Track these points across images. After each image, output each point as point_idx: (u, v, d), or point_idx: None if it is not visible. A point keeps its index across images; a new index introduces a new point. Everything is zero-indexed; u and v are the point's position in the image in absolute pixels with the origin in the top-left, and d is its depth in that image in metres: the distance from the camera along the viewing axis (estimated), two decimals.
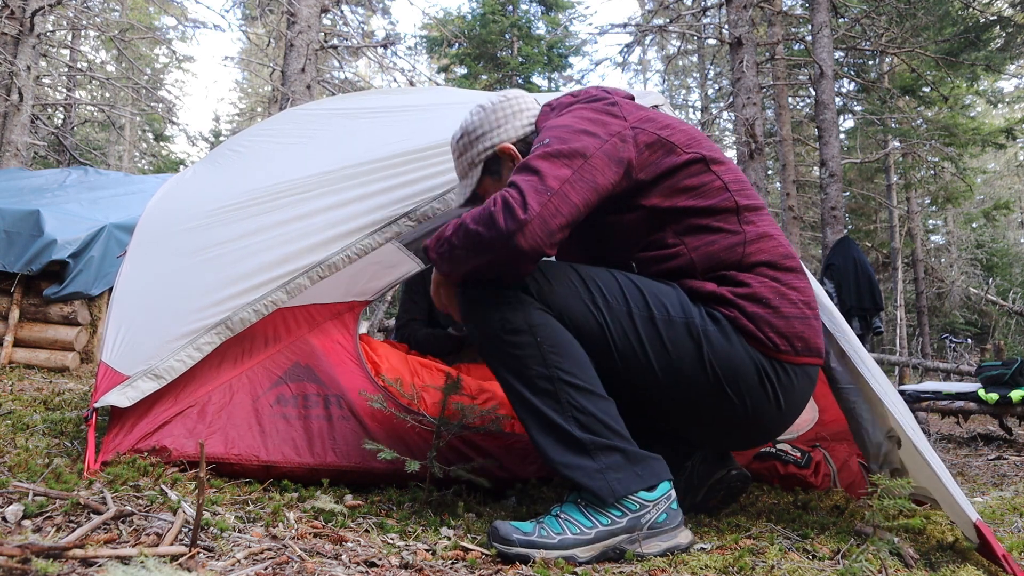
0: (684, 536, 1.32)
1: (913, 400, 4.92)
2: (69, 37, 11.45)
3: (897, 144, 13.26)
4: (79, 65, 11.49)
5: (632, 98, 1.54)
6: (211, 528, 1.20)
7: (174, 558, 1.03)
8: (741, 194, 1.41)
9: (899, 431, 1.49)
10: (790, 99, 13.24)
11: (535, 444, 1.33)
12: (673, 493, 1.34)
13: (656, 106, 1.80)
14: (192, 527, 1.09)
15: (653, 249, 1.41)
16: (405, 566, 1.17)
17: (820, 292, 1.56)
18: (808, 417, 2.26)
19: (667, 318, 1.33)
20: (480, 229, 1.27)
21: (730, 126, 16.96)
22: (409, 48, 17.30)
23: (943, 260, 19.02)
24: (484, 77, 16.96)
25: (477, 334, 1.39)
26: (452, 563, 1.21)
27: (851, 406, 1.55)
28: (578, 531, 1.26)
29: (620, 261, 1.46)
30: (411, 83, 10.26)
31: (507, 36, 16.89)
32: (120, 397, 1.65)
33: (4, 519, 1.15)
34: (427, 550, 1.27)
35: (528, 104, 1.58)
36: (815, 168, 13.83)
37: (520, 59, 16.53)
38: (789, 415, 1.41)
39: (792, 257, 1.41)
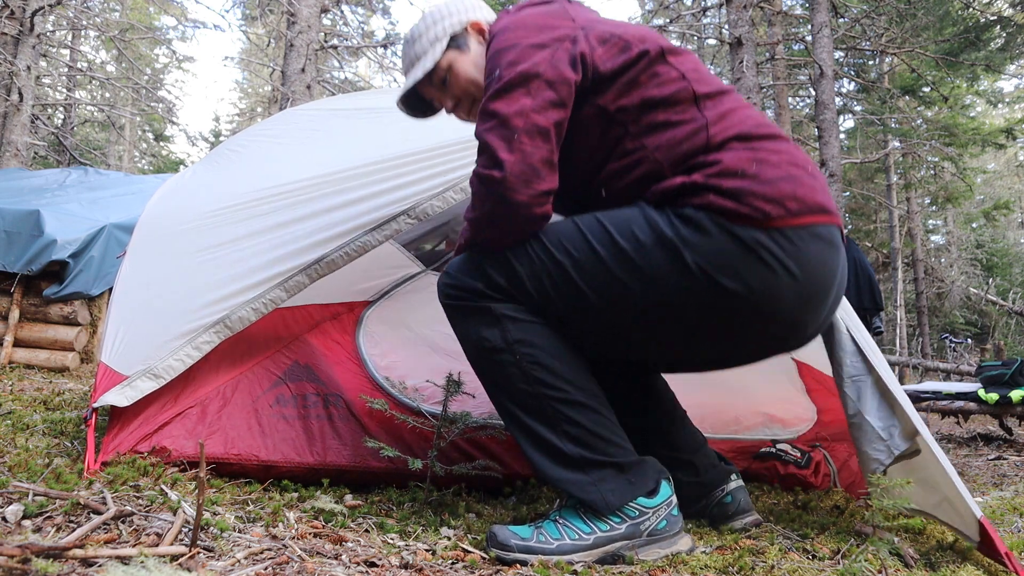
0: (684, 543, 1.32)
1: (913, 400, 4.92)
2: (69, 37, 11.45)
3: (897, 144, 13.26)
4: (79, 65, 11.48)
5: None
6: (211, 528, 1.20)
7: (174, 558, 1.03)
8: (700, 83, 1.30)
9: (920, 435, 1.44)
10: (790, 99, 13.24)
11: (527, 458, 1.33)
12: (674, 499, 1.34)
13: None
14: (192, 527, 1.09)
15: (614, 160, 1.32)
16: (405, 566, 1.17)
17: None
18: (808, 417, 2.27)
19: (639, 246, 1.24)
20: (481, 207, 1.27)
21: None
22: None
23: (943, 260, 19.02)
24: None
25: (464, 350, 1.39)
26: (452, 563, 1.21)
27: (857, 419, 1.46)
28: (577, 537, 1.26)
29: (586, 179, 1.38)
30: None
31: None
32: (119, 397, 1.65)
33: (4, 519, 1.15)
34: (427, 550, 1.27)
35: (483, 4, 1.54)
36: None
37: None
38: (813, 285, 1.25)
39: (767, 125, 1.29)
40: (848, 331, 1.49)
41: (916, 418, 1.45)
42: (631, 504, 1.28)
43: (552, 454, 1.29)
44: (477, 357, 1.36)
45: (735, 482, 1.59)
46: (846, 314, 1.51)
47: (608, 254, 1.26)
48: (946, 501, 1.42)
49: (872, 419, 1.43)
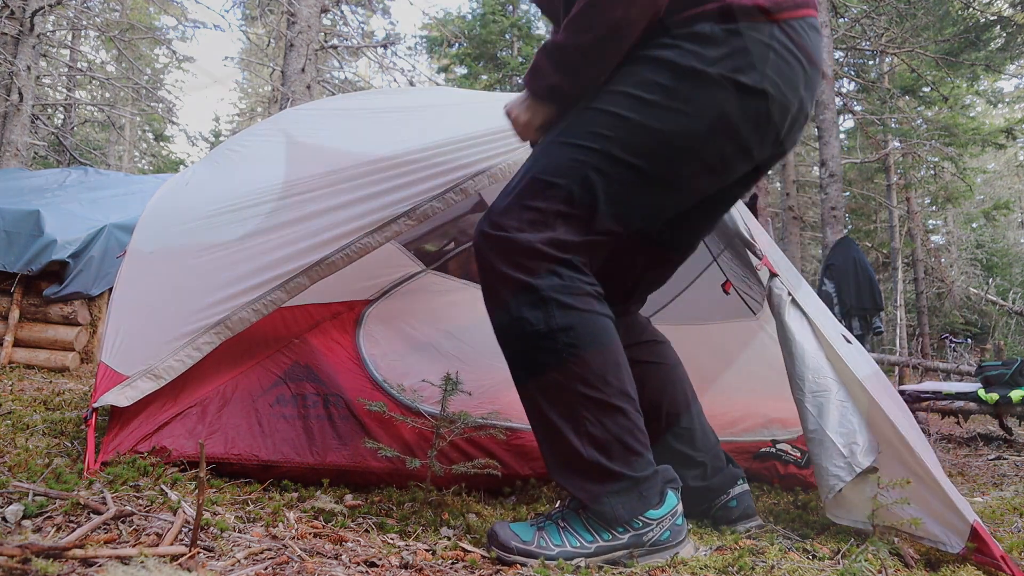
0: (686, 551, 1.30)
1: (913, 400, 4.92)
2: (69, 37, 11.45)
3: (897, 144, 13.27)
4: (79, 65, 11.49)
5: None
6: (211, 528, 1.20)
7: (174, 558, 1.03)
8: None
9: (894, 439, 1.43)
10: None
11: (542, 454, 1.29)
12: (680, 508, 1.31)
13: None
14: (192, 527, 1.09)
15: None
16: (405, 566, 1.17)
17: None
18: None
19: (667, 91, 1.23)
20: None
21: None
22: (409, 48, 17.32)
23: (943, 260, 19.02)
24: (484, 77, 16.97)
25: (494, 321, 1.29)
26: (452, 563, 1.21)
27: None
28: (579, 544, 1.24)
29: None
30: (411, 83, 10.26)
31: (507, 36, 16.90)
32: (119, 397, 1.65)
33: (4, 519, 1.15)
34: (427, 550, 1.27)
35: None
36: (815, 168, 13.83)
37: (520, 59, 16.53)
38: (815, 73, 1.31)
39: None
40: (815, 344, 1.47)
41: (906, 427, 1.44)
42: (638, 517, 1.26)
43: (568, 455, 1.25)
44: (513, 337, 1.27)
45: (740, 486, 1.59)
46: (816, 321, 1.50)
47: (645, 117, 1.23)
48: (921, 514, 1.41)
49: (833, 435, 1.42)
